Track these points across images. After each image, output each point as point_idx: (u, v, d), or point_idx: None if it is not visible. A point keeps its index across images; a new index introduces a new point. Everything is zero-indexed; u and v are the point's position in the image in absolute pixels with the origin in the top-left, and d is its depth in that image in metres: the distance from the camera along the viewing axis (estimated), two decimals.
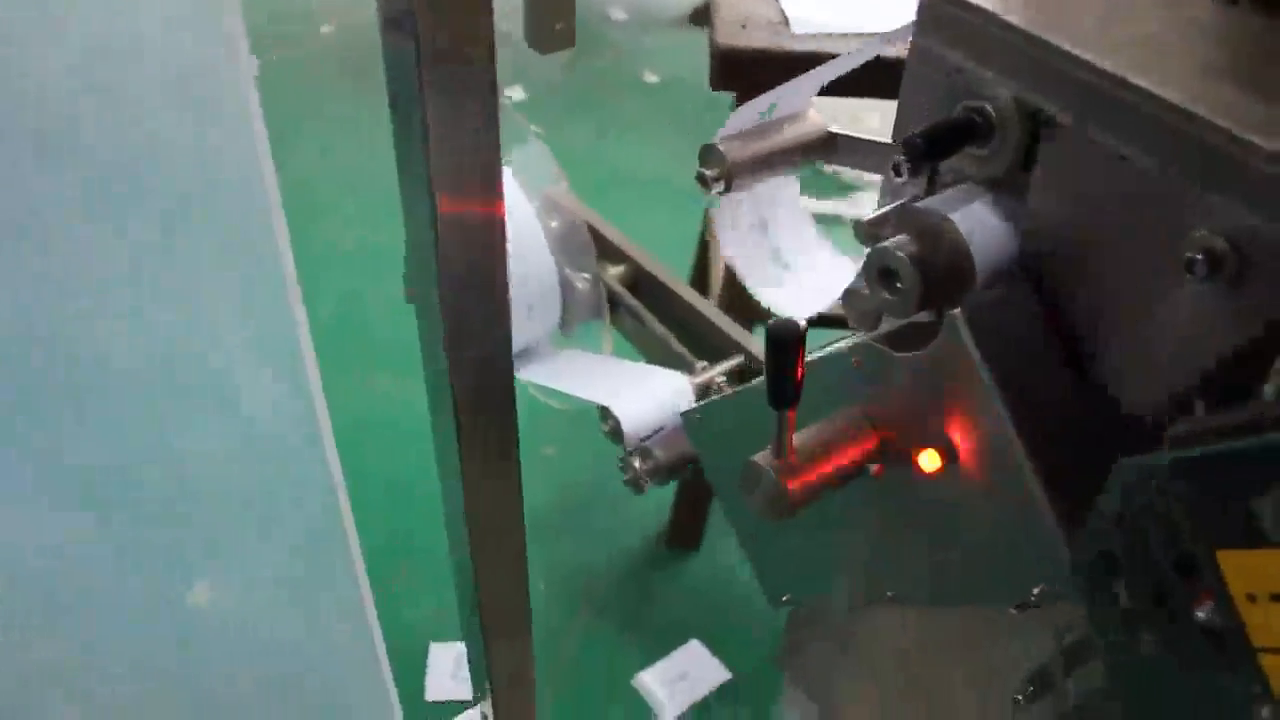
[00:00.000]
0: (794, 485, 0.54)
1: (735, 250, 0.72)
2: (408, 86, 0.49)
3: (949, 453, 0.54)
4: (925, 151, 0.51)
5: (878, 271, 0.52)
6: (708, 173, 0.68)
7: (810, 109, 0.69)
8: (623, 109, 2.75)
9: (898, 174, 0.62)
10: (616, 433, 0.84)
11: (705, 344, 0.95)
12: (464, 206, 0.53)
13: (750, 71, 1.08)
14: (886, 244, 0.51)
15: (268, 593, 0.90)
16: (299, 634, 0.89)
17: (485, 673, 0.80)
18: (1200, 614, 0.41)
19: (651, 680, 1.42)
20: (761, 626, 1.47)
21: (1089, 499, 0.50)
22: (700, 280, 1.70)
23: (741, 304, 1.24)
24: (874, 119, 2.63)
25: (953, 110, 0.54)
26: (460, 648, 1.41)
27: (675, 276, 1.01)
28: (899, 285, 0.52)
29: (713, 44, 1.08)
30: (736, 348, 0.92)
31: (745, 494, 0.57)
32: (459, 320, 0.57)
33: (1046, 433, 0.51)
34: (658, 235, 2.01)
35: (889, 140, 0.64)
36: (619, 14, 3.09)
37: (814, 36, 1.06)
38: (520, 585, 0.75)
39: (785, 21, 1.09)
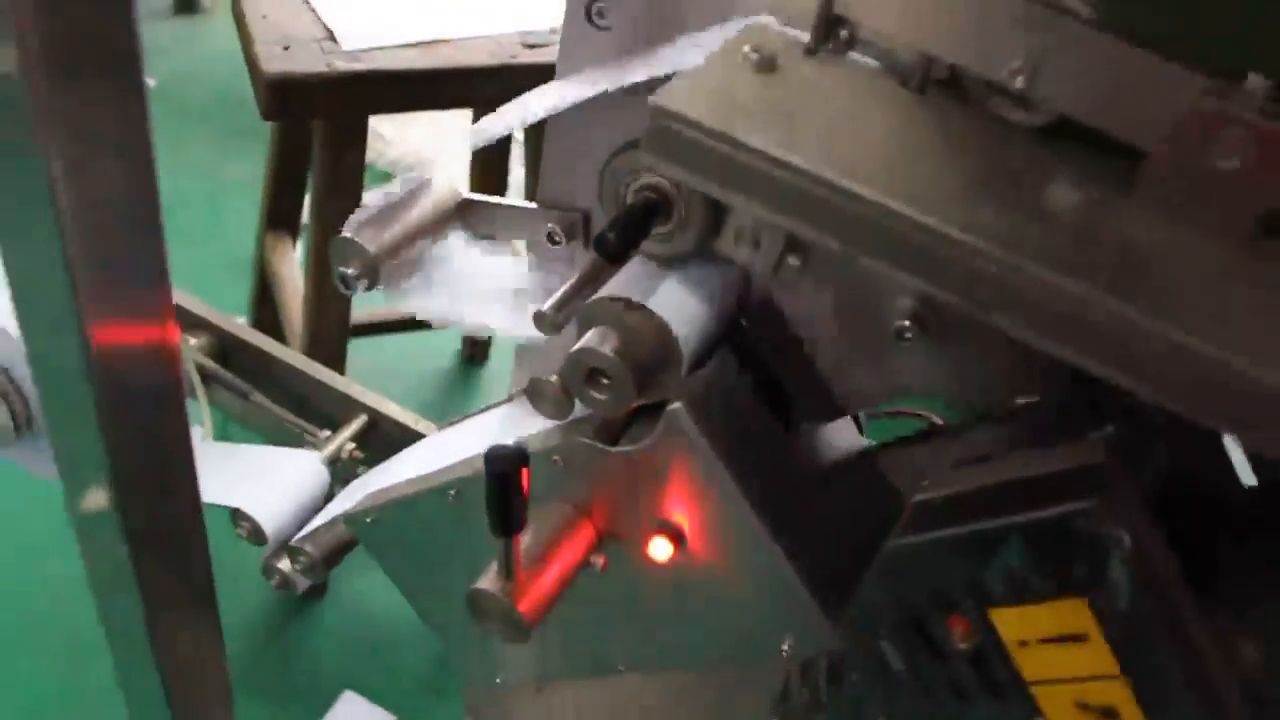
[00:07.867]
0: (528, 606, 0.49)
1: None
2: None
3: (678, 537, 0.51)
4: (619, 249, 0.47)
5: (585, 373, 0.48)
6: (349, 271, 0.58)
7: (436, 176, 0.61)
8: None
9: (553, 241, 0.58)
10: (257, 534, 0.75)
11: (318, 408, 0.87)
12: None
13: (307, 98, 0.93)
14: (588, 344, 0.48)
15: None
16: None
17: None
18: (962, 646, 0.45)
19: None
20: (413, 661, 1.40)
21: (826, 552, 0.52)
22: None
23: None
24: None
25: (620, 192, 0.50)
26: None
27: (269, 339, 0.91)
28: (607, 382, 0.48)
29: (256, 71, 0.92)
30: (358, 407, 0.85)
31: (478, 621, 0.51)
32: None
33: (775, 494, 0.51)
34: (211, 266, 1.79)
35: (527, 204, 0.59)
36: None
37: (368, 52, 0.95)
38: None
39: (332, 38, 0.96)
